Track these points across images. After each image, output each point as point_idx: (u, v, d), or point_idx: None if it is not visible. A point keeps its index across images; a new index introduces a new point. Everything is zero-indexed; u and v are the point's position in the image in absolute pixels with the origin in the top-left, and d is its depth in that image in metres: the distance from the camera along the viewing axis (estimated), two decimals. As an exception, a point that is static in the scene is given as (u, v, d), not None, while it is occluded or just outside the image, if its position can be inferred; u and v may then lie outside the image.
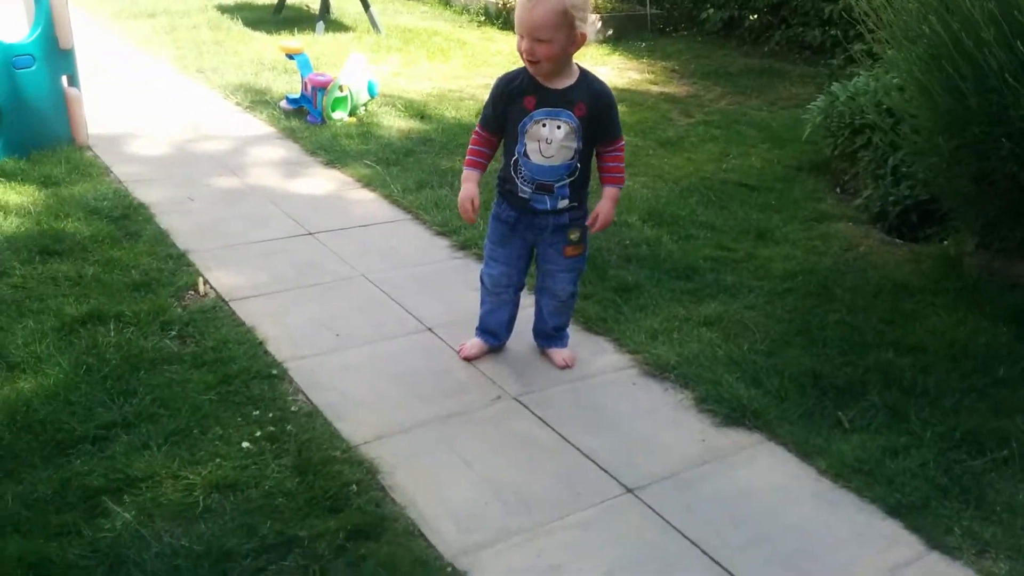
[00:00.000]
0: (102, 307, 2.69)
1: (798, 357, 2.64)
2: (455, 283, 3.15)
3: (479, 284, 2.66)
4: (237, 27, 7.44)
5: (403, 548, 1.86)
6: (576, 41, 2.27)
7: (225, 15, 7.89)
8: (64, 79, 4.13)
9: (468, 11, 8.93)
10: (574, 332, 2.79)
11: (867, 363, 2.61)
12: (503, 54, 7.13)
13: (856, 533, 2.00)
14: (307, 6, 8.73)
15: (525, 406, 2.44)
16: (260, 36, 7.13)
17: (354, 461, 2.13)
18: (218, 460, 2.08)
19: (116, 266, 2.99)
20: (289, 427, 2.23)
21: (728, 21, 7.83)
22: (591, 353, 2.73)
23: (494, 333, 2.68)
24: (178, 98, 5.37)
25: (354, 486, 2.04)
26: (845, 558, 1.93)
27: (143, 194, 3.73)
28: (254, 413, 2.28)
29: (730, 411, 2.41)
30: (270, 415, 2.28)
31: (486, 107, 2.44)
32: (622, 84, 6.30)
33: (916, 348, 2.71)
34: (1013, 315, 2.91)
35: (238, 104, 5.28)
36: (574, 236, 2.50)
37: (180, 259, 3.13)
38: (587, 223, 2.49)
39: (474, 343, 2.67)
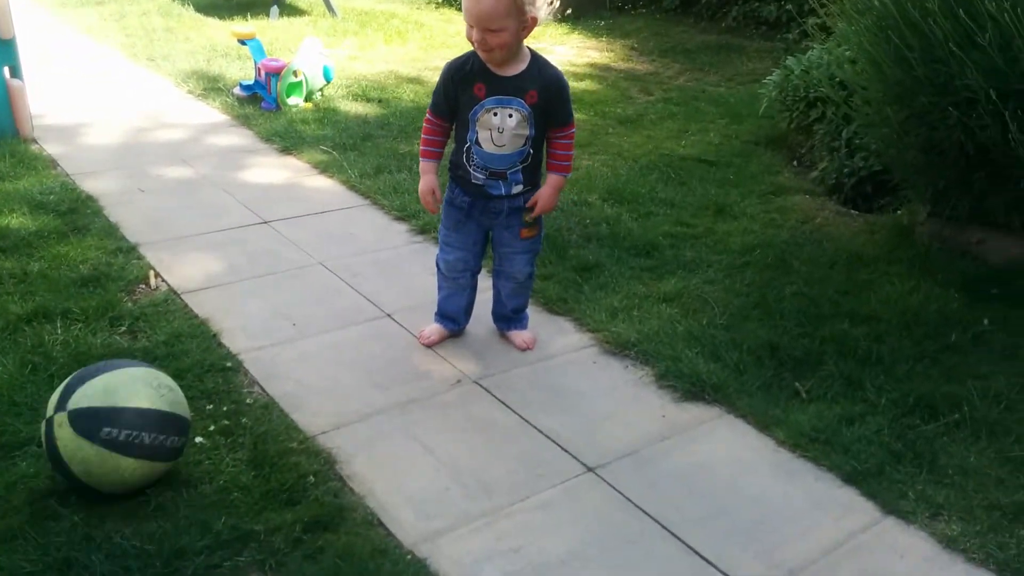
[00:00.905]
0: (48, 304, 2.62)
1: (756, 330, 2.66)
2: (414, 268, 3.12)
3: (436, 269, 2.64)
4: (188, 13, 7.28)
5: (362, 538, 1.84)
6: (528, 25, 2.23)
7: (176, 1, 7.72)
8: (6, 70, 4.01)
9: (425, -8, 8.82)
10: (535, 313, 2.78)
11: (823, 334, 2.64)
12: (461, 36, 7.00)
13: (814, 502, 2.02)
14: (260, -10, 8.56)
15: (486, 389, 2.43)
16: (212, 22, 6.99)
17: (311, 452, 2.11)
18: (171, 456, 2.04)
19: (63, 262, 2.92)
20: (244, 420, 2.20)
21: (685, -2, 7.83)
22: (552, 333, 2.72)
23: (453, 318, 2.66)
24: (128, 87, 5.25)
25: (311, 477, 2.01)
26: (803, 527, 1.95)
27: (92, 187, 3.64)
28: (208, 407, 2.24)
29: (690, 386, 2.42)
30: (224, 408, 2.24)
31: (436, 93, 2.40)
32: (582, 63, 6.28)
33: (871, 317, 2.74)
34: (963, 282, 2.95)
35: (190, 92, 5.17)
36: (528, 218, 2.48)
37: (130, 252, 3.07)
38: (527, 205, 2.45)
39: (433, 329, 2.65)
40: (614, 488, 2.06)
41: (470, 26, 2.24)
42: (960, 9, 2.57)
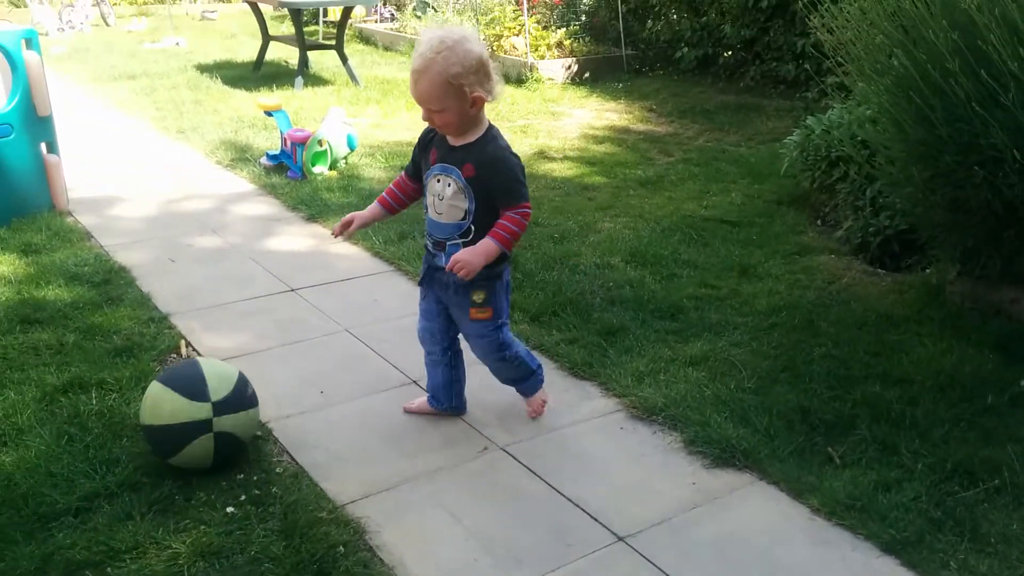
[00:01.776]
0: (83, 375, 2.66)
1: (786, 393, 2.63)
2: (440, 333, 3.13)
3: None
4: (216, 86, 7.52)
5: (392, 611, 1.82)
6: (475, 103, 2.19)
7: (204, 74, 7.98)
8: (43, 146, 4.15)
9: (446, 60, 9.05)
10: (560, 378, 2.78)
11: (855, 397, 2.60)
12: (482, 101, 7.20)
13: (853, 573, 1.97)
14: (286, 61, 8.84)
15: (513, 456, 2.41)
16: (240, 93, 7.20)
17: (341, 521, 2.10)
18: (203, 527, 2.04)
19: (98, 332, 2.97)
20: (274, 489, 2.20)
21: (703, 59, 7.97)
22: (578, 399, 2.71)
23: (435, 396, 2.60)
24: (159, 159, 5.40)
25: (341, 547, 2.00)
26: (842, 599, 1.90)
27: (124, 257, 3.73)
28: (238, 476, 2.24)
29: (720, 452, 2.39)
30: (255, 478, 2.25)
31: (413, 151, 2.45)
32: (601, 125, 6.38)
33: (903, 379, 2.70)
34: (998, 342, 2.91)
35: (219, 162, 5.30)
36: (477, 298, 2.36)
37: (162, 322, 3.12)
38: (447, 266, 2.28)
39: (421, 401, 2.63)
40: (646, 558, 2.02)
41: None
42: (982, 69, 2.59)
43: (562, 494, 2.25)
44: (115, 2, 13.24)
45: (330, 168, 5.05)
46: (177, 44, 9.96)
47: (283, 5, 7.93)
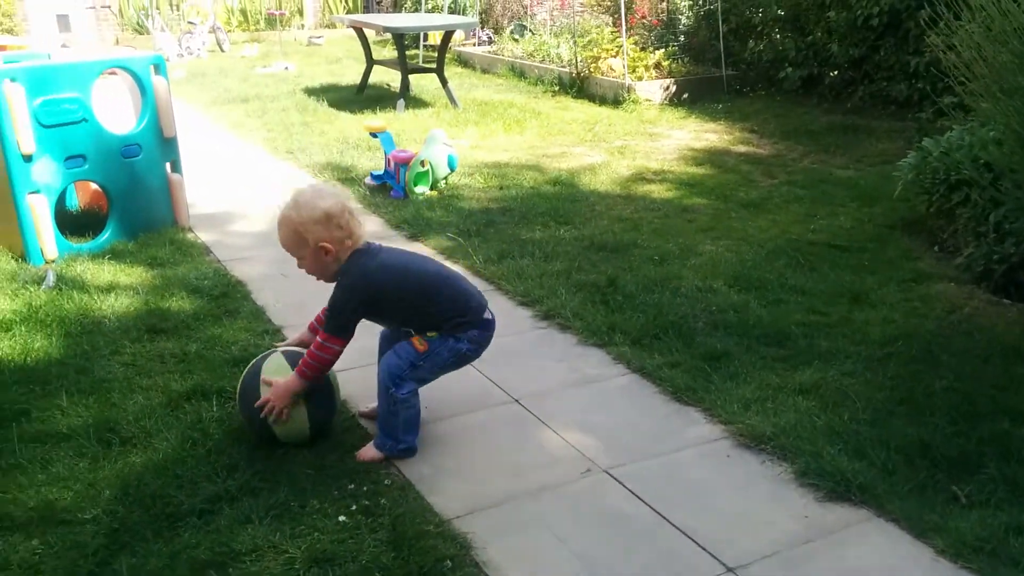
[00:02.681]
0: (205, 383, 2.79)
1: (904, 427, 2.53)
2: (539, 354, 3.15)
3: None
4: (323, 108, 7.81)
5: (500, 629, 1.83)
6: (329, 251, 2.39)
7: (311, 97, 8.30)
8: (168, 165, 4.39)
9: (542, 81, 9.14)
10: (662, 403, 2.79)
11: (981, 433, 2.47)
12: (578, 122, 7.25)
13: (981, 619, 1.87)
14: (388, 85, 9.10)
15: (617, 480, 2.39)
16: (344, 115, 7.45)
17: (448, 536, 2.13)
18: (316, 534, 2.10)
19: (217, 343, 3.11)
20: (383, 501, 2.25)
21: (807, 79, 7.79)
22: (682, 424, 2.67)
23: None
24: (270, 178, 5.64)
25: (448, 561, 2.03)
26: (971, 647, 1.80)
27: (240, 272, 3.90)
28: (349, 487, 2.30)
29: (834, 485, 2.31)
30: (364, 488, 2.30)
31: None
32: (700, 147, 6.30)
33: (1033, 416, 2.56)
34: None
35: (325, 182, 5.49)
36: (430, 333, 2.47)
37: (276, 335, 3.24)
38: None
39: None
40: (758, 591, 1.97)
41: None
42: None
43: (669, 521, 2.22)
44: (230, 29, 13.94)
45: (431, 188, 5.16)
46: (286, 68, 10.40)
47: (387, 30, 8.20)
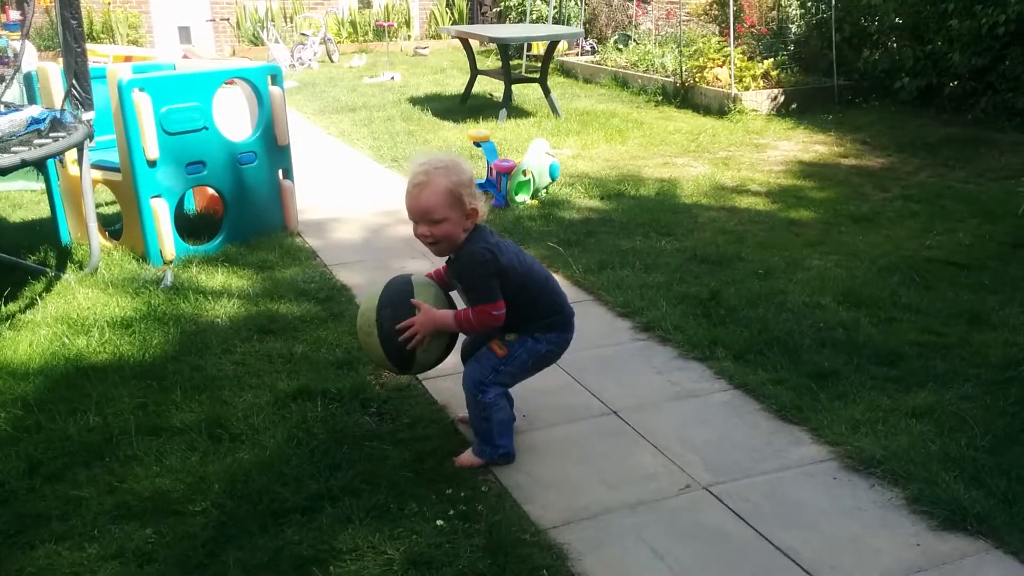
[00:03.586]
0: (310, 384, 2.89)
1: (1028, 457, 2.38)
2: (638, 366, 3.12)
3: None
4: (427, 117, 7.98)
5: (594, 642, 1.81)
6: (470, 215, 2.35)
7: (416, 107, 8.50)
8: (280, 172, 4.58)
9: (645, 91, 9.07)
10: (765, 420, 2.70)
11: (1117, 467, 2.30)
12: (681, 132, 7.15)
13: (1116, 669, 1.73)
14: (490, 94, 9.23)
15: (716, 497, 2.34)
16: (448, 125, 7.60)
17: (543, 545, 2.13)
18: (414, 536, 2.14)
19: (322, 345, 3.22)
20: (480, 507, 2.27)
21: (925, 89, 7.45)
22: (786, 443, 2.59)
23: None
24: (375, 186, 5.80)
25: (544, 571, 2.03)
26: None
27: (345, 276, 4.02)
28: (447, 491, 2.34)
29: (949, 513, 2.19)
30: (462, 494, 2.33)
31: None
32: (808, 158, 6.12)
33: None
34: None
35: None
36: (509, 336, 2.47)
37: (378, 338, 3.32)
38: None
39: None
40: (865, 622, 1.88)
41: (415, 223, 2.37)
42: None
43: (770, 542, 2.15)
44: (339, 40, 14.45)
45: (532, 197, 5.19)
46: (392, 79, 10.69)
47: (492, 40, 8.31)
